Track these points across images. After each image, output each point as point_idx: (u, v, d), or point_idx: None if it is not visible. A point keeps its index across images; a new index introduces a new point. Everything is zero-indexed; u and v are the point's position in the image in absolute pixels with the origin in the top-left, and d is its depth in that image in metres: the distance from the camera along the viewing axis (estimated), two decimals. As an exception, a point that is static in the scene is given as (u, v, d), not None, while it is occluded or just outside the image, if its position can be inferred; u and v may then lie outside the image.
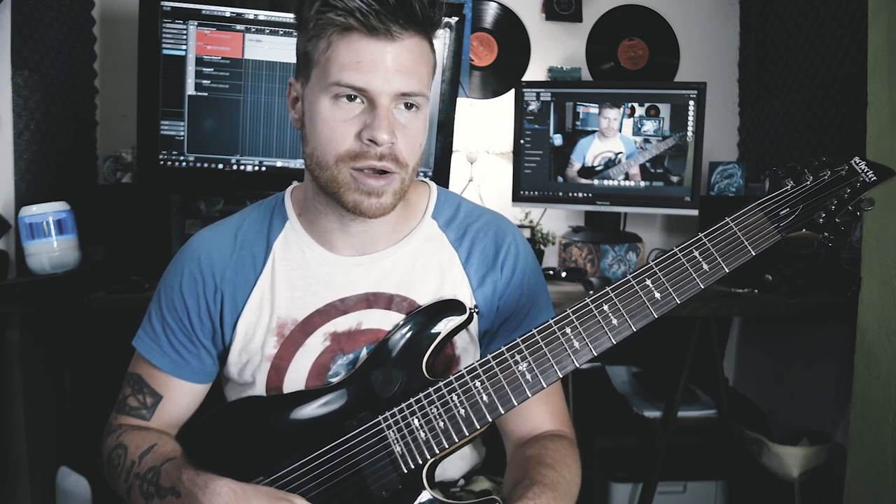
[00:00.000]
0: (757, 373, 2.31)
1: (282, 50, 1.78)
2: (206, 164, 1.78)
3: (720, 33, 2.42)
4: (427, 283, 1.00)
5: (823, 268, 1.79)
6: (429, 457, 0.89)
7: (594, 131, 2.03)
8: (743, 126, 2.43)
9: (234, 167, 1.79)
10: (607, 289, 0.88)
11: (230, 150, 1.79)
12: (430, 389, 0.90)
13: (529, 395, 0.87)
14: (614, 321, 0.87)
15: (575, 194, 2.06)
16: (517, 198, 2.10)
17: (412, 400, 0.91)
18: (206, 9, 1.74)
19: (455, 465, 1.07)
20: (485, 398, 0.88)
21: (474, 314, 0.99)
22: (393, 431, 0.91)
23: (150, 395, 1.01)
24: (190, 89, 1.75)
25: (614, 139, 2.02)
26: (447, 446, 0.89)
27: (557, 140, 2.06)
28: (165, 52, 1.73)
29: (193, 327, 1.00)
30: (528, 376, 0.87)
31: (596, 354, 0.87)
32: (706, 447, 2.04)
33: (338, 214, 0.97)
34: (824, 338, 1.97)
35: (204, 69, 1.75)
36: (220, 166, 1.79)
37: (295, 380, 0.98)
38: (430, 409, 0.90)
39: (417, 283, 1.00)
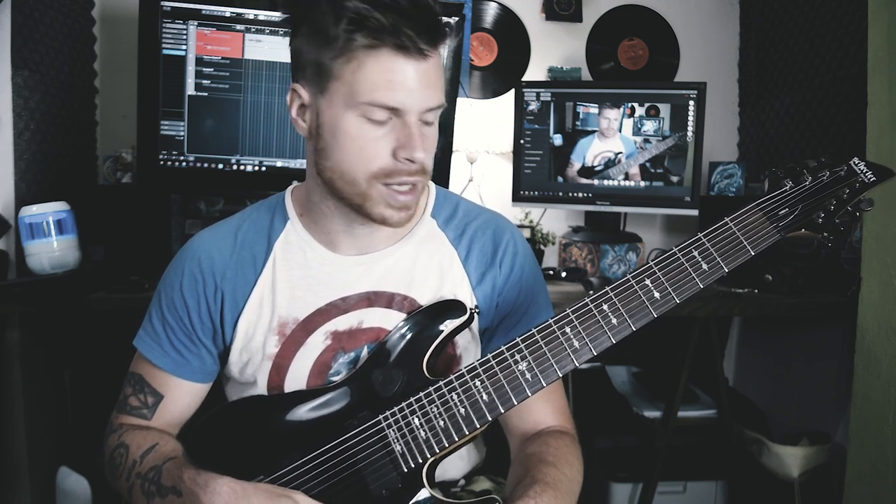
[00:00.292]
0: (757, 373, 2.31)
1: (282, 50, 1.78)
2: (206, 164, 1.78)
3: (720, 33, 2.42)
4: (427, 282, 1.01)
5: (823, 268, 1.79)
6: (429, 456, 0.90)
7: (594, 131, 2.03)
8: (743, 126, 2.43)
9: (234, 167, 1.79)
10: (607, 288, 0.88)
11: (230, 150, 1.79)
12: (431, 389, 0.91)
13: (529, 394, 0.88)
14: (614, 321, 0.87)
15: (575, 194, 2.06)
16: (517, 198, 2.10)
17: (412, 399, 0.91)
18: (206, 9, 1.74)
19: (455, 465, 1.07)
20: (485, 397, 0.88)
21: (475, 314, 0.99)
22: (393, 430, 0.91)
23: (151, 394, 1.01)
24: (190, 89, 1.75)
25: (614, 139, 2.02)
26: (447, 445, 0.89)
27: (557, 140, 2.06)
28: (165, 52, 1.73)
29: (194, 327, 1.00)
30: (528, 375, 0.87)
31: (596, 354, 0.88)
32: (706, 447, 2.04)
33: (346, 219, 0.98)
34: (824, 338, 1.97)
35: (204, 69, 1.75)
36: (220, 166, 1.79)
37: (296, 378, 0.99)
38: (431, 409, 0.90)
39: (418, 281, 1.01)
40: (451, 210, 1.07)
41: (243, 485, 0.86)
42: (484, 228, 1.05)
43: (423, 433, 0.90)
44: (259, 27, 1.77)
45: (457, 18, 1.80)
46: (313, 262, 1.00)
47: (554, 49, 2.36)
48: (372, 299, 1.00)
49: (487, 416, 0.88)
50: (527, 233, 2.06)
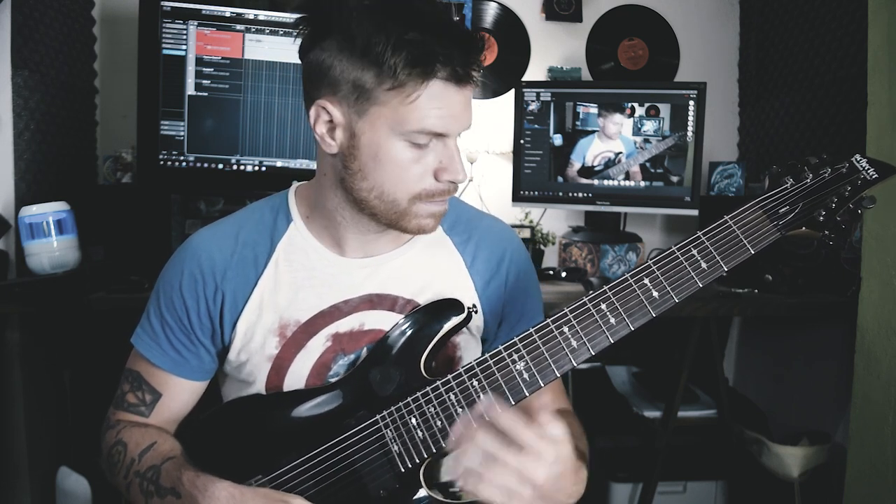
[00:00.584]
0: (757, 373, 2.31)
1: (282, 50, 1.78)
2: (206, 164, 1.78)
3: (720, 33, 2.42)
4: (432, 286, 1.01)
5: (823, 268, 1.79)
6: (426, 455, 0.90)
7: (594, 131, 2.03)
8: (743, 126, 2.43)
9: (234, 167, 1.79)
10: (605, 288, 0.88)
11: (230, 150, 1.79)
12: (428, 388, 0.90)
13: (527, 394, 0.87)
14: (612, 320, 0.87)
15: (575, 194, 2.05)
16: (517, 198, 2.10)
17: (410, 399, 0.91)
18: (206, 9, 1.74)
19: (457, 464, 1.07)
20: (482, 397, 0.88)
21: (472, 313, 0.99)
22: (390, 430, 0.91)
23: (149, 392, 1.01)
24: (190, 89, 1.75)
25: (615, 140, 2.02)
26: (444, 446, 0.89)
27: (557, 140, 2.06)
28: (165, 52, 1.74)
29: (193, 326, 1.00)
30: (526, 375, 0.87)
31: (594, 353, 0.87)
32: (706, 447, 2.04)
33: (360, 227, 0.98)
34: (824, 338, 1.97)
35: (204, 69, 1.75)
36: (220, 166, 1.79)
37: (295, 380, 0.98)
38: (428, 408, 0.90)
39: (422, 285, 1.01)
40: (456, 215, 1.07)
41: (242, 489, 0.86)
42: (489, 235, 1.06)
43: (420, 433, 0.90)
44: (259, 27, 1.77)
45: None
46: (318, 264, 1.00)
47: (554, 49, 2.36)
48: (374, 302, 0.99)
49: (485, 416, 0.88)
50: (527, 233, 2.06)
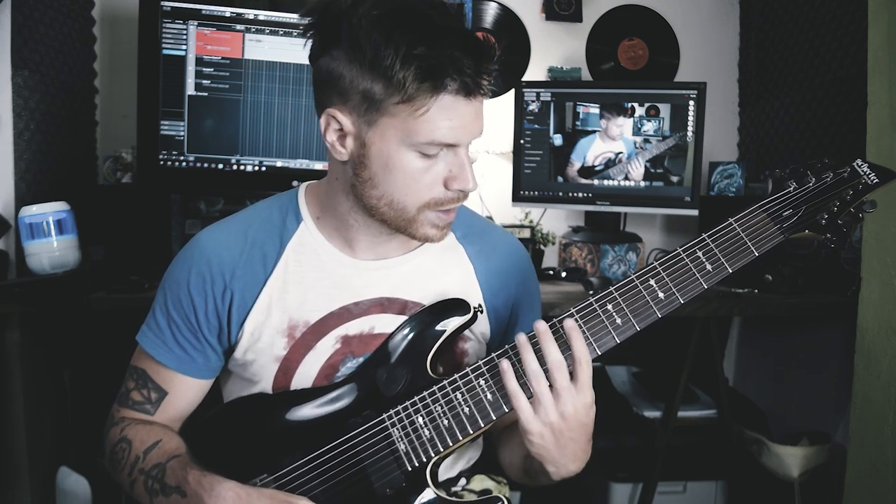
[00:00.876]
0: (757, 373, 2.31)
1: (282, 50, 1.78)
2: (206, 164, 1.78)
3: (720, 33, 2.42)
4: (442, 293, 1.01)
5: (823, 268, 1.79)
6: (433, 455, 0.90)
7: (594, 131, 2.03)
8: (743, 126, 2.43)
9: (234, 167, 1.79)
10: (611, 288, 0.89)
11: (230, 150, 1.79)
12: (435, 388, 0.91)
13: None
14: (618, 320, 0.87)
15: (575, 194, 2.06)
16: (517, 198, 2.10)
17: (416, 398, 0.91)
18: (206, 9, 1.74)
19: (456, 463, 1.07)
20: (489, 396, 0.89)
21: (479, 313, 0.99)
22: (397, 429, 0.91)
23: (154, 390, 1.01)
24: (190, 89, 1.75)
25: (617, 141, 2.02)
26: (451, 444, 0.90)
27: (557, 140, 2.06)
28: (165, 52, 1.74)
29: (200, 325, 0.99)
30: None
31: (600, 353, 0.88)
32: (706, 447, 2.04)
33: (371, 230, 0.98)
34: (824, 338, 1.97)
35: (204, 69, 1.75)
36: (220, 166, 1.79)
37: (303, 381, 0.98)
38: (435, 408, 0.90)
39: (433, 291, 1.01)
40: (469, 225, 1.08)
41: (248, 489, 0.86)
42: (500, 247, 1.08)
43: (427, 432, 0.90)
44: (259, 27, 1.77)
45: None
46: (328, 265, 0.99)
47: (554, 49, 2.36)
48: (385, 305, 0.99)
49: (492, 415, 0.89)
50: (527, 233, 2.06)
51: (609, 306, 0.88)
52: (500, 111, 2.28)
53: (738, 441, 1.97)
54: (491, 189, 2.26)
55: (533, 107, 2.06)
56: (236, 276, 0.98)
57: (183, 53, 1.74)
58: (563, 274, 1.95)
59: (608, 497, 2.03)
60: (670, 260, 0.89)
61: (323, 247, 1.00)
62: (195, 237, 1.02)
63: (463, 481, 1.07)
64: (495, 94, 2.34)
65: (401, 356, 0.96)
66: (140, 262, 1.76)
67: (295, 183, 1.79)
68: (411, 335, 0.97)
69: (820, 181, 0.92)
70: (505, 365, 0.85)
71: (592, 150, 2.04)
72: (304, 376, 0.98)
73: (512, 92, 2.13)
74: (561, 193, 2.06)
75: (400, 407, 0.91)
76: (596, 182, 2.04)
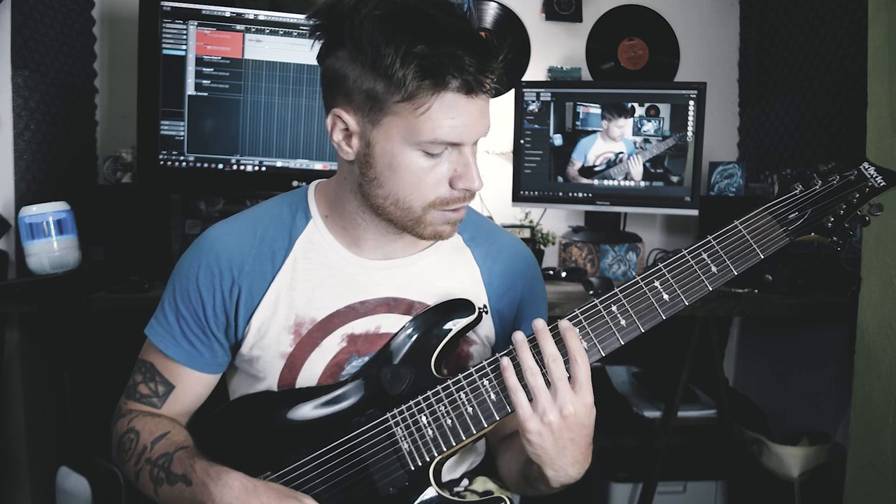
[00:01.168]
0: (757, 373, 2.31)
1: (282, 50, 1.78)
2: (206, 164, 1.78)
3: (720, 33, 2.42)
4: (449, 295, 1.01)
5: (823, 268, 1.79)
6: (436, 454, 0.90)
7: (594, 131, 2.03)
8: (743, 126, 2.43)
9: (234, 167, 1.79)
10: (616, 290, 0.89)
11: (230, 150, 1.79)
12: (439, 387, 0.91)
13: None
14: (623, 322, 0.88)
15: (575, 194, 2.06)
16: (517, 198, 2.10)
17: (420, 398, 0.92)
18: (206, 9, 1.74)
19: (458, 464, 1.07)
20: (493, 396, 0.89)
21: (483, 314, 1.00)
22: (401, 428, 0.91)
23: (162, 383, 1.02)
24: (190, 89, 1.75)
25: (619, 141, 2.02)
26: (454, 444, 0.90)
27: (557, 140, 2.06)
28: (165, 52, 1.74)
29: (208, 320, 0.99)
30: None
31: (604, 355, 0.88)
32: (706, 447, 2.04)
33: (379, 229, 0.98)
34: (824, 338, 1.97)
35: (204, 69, 1.75)
36: (220, 166, 1.79)
37: (308, 379, 0.99)
38: (438, 407, 0.91)
39: (440, 292, 1.01)
40: (476, 228, 1.08)
41: (254, 482, 0.87)
42: (507, 251, 1.08)
43: (430, 432, 0.90)
44: (259, 27, 1.77)
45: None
46: (336, 263, 1.00)
47: (554, 49, 2.36)
48: (391, 305, 1.00)
49: (495, 415, 0.89)
50: (527, 233, 2.06)
51: (614, 308, 0.88)
52: (500, 111, 2.28)
53: (738, 441, 1.97)
54: (491, 189, 2.26)
55: (533, 107, 2.06)
56: (244, 272, 0.99)
57: (183, 53, 1.74)
58: (563, 274, 1.95)
59: (608, 497, 2.03)
60: (675, 262, 0.89)
61: (331, 245, 1.00)
62: (205, 232, 1.02)
63: (465, 482, 1.07)
64: (496, 94, 2.34)
65: (405, 356, 0.96)
66: (140, 262, 1.76)
67: (295, 183, 1.79)
68: (416, 335, 0.97)
69: (826, 184, 0.91)
70: (505, 362, 0.86)
71: (594, 150, 2.04)
72: (310, 374, 0.98)
73: (512, 92, 2.13)
74: (561, 193, 2.06)
75: (404, 406, 0.92)
76: (596, 182, 2.04)
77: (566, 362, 0.84)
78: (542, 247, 2.14)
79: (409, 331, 0.98)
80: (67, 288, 1.57)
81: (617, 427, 2.10)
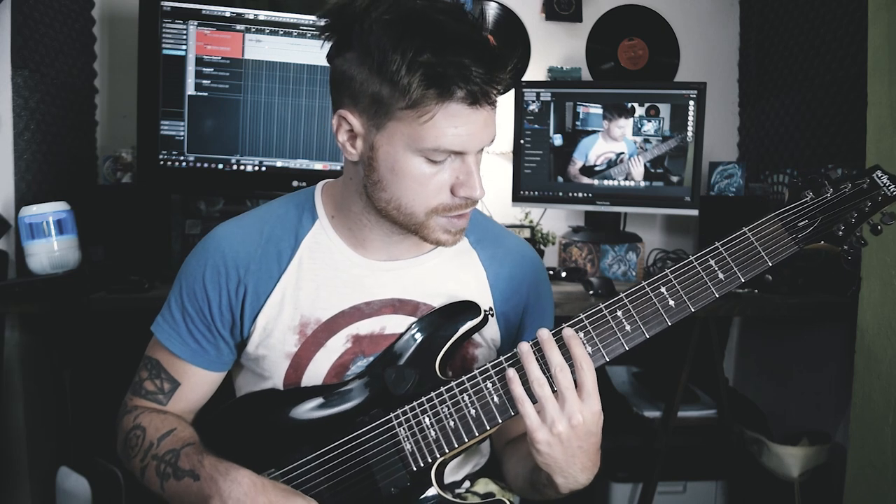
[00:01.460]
0: (757, 373, 2.31)
1: (282, 50, 1.78)
2: (206, 164, 1.78)
3: (720, 33, 2.42)
4: (454, 297, 1.01)
5: (823, 268, 1.79)
6: (438, 455, 0.91)
7: (595, 131, 2.03)
8: (743, 126, 2.43)
9: (234, 167, 1.79)
10: (621, 295, 0.89)
11: (230, 150, 1.79)
12: (442, 389, 0.91)
13: None
14: (628, 327, 0.88)
15: (575, 194, 2.06)
16: (517, 198, 2.10)
17: (424, 399, 0.92)
18: (206, 9, 1.74)
19: (460, 466, 1.07)
20: (496, 399, 0.89)
21: (489, 317, 1.00)
22: (404, 429, 0.92)
23: (167, 381, 1.02)
24: (190, 89, 1.75)
25: (620, 142, 2.02)
26: (457, 446, 0.90)
27: (557, 140, 2.06)
28: (165, 52, 1.74)
29: (213, 318, 1.00)
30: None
31: (608, 360, 0.88)
32: (706, 447, 2.04)
33: (384, 231, 0.98)
34: (824, 338, 1.97)
35: (204, 69, 1.75)
36: (220, 166, 1.79)
37: (313, 378, 0.99)
38: (441, 409, 0.91)
39: (445, 294, 1.01)
40: (483, 230, 1.08)
41: (263, 480, 0.87)
42: (513, 254, 1.08)
43: (433, 433, 0.91)
44: (259, 27, 1.77)
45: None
46: (342, 264, 1.00)
47: (554, 49, 2.36)
48: (396, 306, 1.00)
49: (498, 418, 0.89)
50: (527, 233, 2.06)
51: (619, 313, 0.88)
52: (500, 111, 2.27)
53: (738, 441, 1.97)
54: (491, 189, 2.25)
55: (533, 107, 2.06)
56: (251, 271, 0.99)
57: (183, 53, 1.74)
58: (563, 274, 1.95)
59: (608, 497, 2.03)
60: (682, 268, 0.89)
61: (337, 245, 1.01)
62: (212, 231, 1.03)
63: (467, 483, 1.08)
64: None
65: (410, 357, 0.96)
66: (140, 262, 1.76)
67: (295, 183, 1.79)
68: (421, 336, 0.97)
69: (838, 192, 0.90)
70: (511, 373, 0.85)
71: (595, 150, 2.04)
72: (315, 373, 0.99)
73: (512, 92, 2.13)
74: (561, 193, 2.06)
75: (407, 407, 0.92)
76: (596, 182, 2.04)
77: (572, 370, 0.84)
78: (542, 247, 2.14)
79: (415, 332, 0.98)
80: (67, 288, 1.57)
81: (617, 427, 2.10)
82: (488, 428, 0.89)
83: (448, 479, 1.04)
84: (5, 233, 1.67)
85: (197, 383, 1.03)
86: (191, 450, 0.93)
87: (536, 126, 2.06)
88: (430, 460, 0.91)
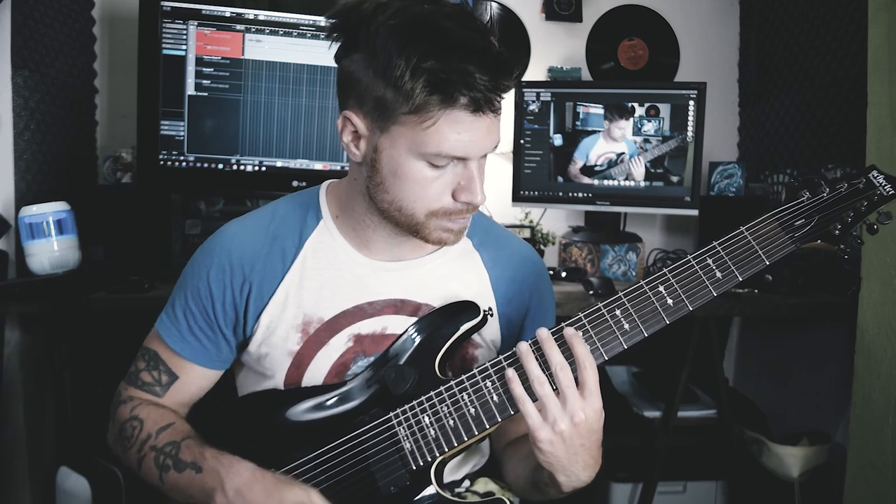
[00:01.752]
0: (757, 373, 2.31)
1: (282, 50, 1.78)
2: (206, 164, 1.78)
3: (720, 33, 2.42)
4: (457, 297, 1.01)
5: (823, 268, 1.79)
6: (437, 454, 0.91)
7: (595, 131, 2.03)
8: (743, 126, 2.43)
9: (234, 167, 1.79)
10: (620, 294, 0.89)
11: (230, 150, 1.79)
12: (442, 388, 0.92)
13: None
14: (626, 326, 0.88)
15: (575, 194, 2.06)
16: (517, 198, 2.10)
17: (423, 398, 0.92)
18: (206, 9, 1.74)
19: (460, 466, 1.07)
20: (495, 398, 0.89)
21: (488, 317, 1.00)
22: (403, 428, 0.92)
23: (165, 373, 1.03)
24: (190, 89, 1.75)
25: (620, 142, 2.02)
26: (456, 445, 0.90)
27: (557, 140, 2.06)
28: (165, 52, 1.74)
29: (216, 316, 1.00)
30: None
31: (607, 359, 0.89)
32: (706, 447, 2.04)
33: (388, 231, 0.98)
34: (824, 338, 1.97)
35: (204, 69, 1.75)
36: (220, 166, 1.79)
37: (314, 377, 0.99)
38: (441, 408, 0.91)
39: (447, 295, 1.01)
40: (486, 232, 1.09)
41: (264, 472, 0.89)
42: (516, 256, 1.08)
43: (432, 432, 0.91)
44: (259, 27, 1.77)
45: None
46: (345, 264, 1.00)
47: (554, 49, 2.36)
48: (398, 306, 1.00)
49: (497, 416, 0.89)
50: (527, 233, 2.06)
51: (617, 311, 0.88)
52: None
53: (738, 441, 1.97)
54: (491, 189, 2.25)
55: (533, 107, 2.06)
56: (255, 270, 0.99)
57: (183, 53, 1.74)
58: (563, 274, 1.95)
59: (608, 497, 2.03)
60: (680, 267, 0.89)
61: (340, 245, 1.01)
62: (219, 230, 1.03)
63: (467, 483, 1.08)
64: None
65: (410, 356, 0.97)
66: (140, 262, 1.76)
67: (295, 183, 1.79)
68: (421, 336, 0.98)
69: (834, 191, 0.91)
70: (510, 373, 0.86)
71: (595, 150, 2.04)
72: (316, 372, 0.99)
73: (512, 92, 2.13)
74: (561, 193, 2.06)
75: (407, 406, 0.92)
76: (596, 182, 2.04)
77: (573, 369, 0.84)
78: (542, 247, 2.14)
79: (415, 332, 0.98)
80: (67, 288, 1.57)
81: (617, 427, 2.10)
82: (488, 427, 0.89)
83: (448, 478, 1.04)
84: (5, 233, 1.67)
85: (194, 378, 1.04)
86: (192, 442, 0.94)
87: (536, 126, 2.06)
88: (429, 459, 0.91)
